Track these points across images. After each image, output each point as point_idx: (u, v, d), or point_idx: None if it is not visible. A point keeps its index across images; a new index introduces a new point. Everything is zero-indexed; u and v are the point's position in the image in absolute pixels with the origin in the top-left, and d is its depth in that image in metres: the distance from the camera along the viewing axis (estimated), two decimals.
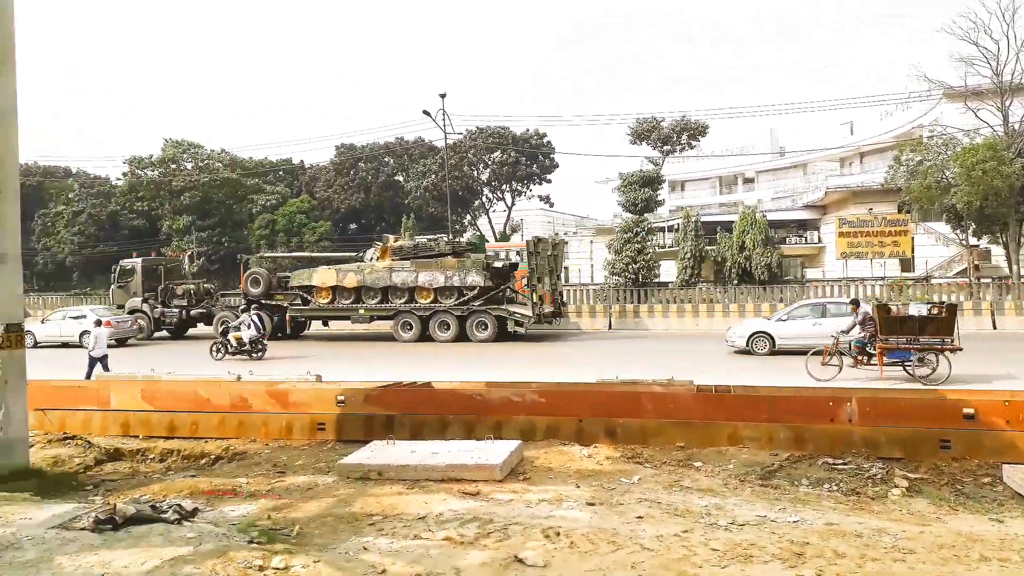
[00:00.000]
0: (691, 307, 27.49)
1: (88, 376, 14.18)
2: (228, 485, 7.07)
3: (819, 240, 50.36)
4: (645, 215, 42.72)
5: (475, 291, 23.37)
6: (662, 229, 52.38)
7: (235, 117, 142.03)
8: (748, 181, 69.87)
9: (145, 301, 27.16)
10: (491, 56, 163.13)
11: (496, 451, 7.23)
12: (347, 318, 25.68)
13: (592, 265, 57.37)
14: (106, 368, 14.76)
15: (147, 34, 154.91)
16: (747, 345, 18.58)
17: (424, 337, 23.60)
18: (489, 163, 47.06)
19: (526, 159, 46.50)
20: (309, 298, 25.14)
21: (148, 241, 50.75)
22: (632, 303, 28.45)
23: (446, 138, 34.38)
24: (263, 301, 24.60)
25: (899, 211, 38.36)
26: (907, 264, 39.72)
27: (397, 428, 8.88)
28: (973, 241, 36.38)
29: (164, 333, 27.79)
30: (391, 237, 26.70)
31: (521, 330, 23.87)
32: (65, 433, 9.47)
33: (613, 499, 6.12)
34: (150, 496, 6.53)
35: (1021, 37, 35.57)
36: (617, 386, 9.38)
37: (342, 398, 9.29)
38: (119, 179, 51.96)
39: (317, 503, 6.20)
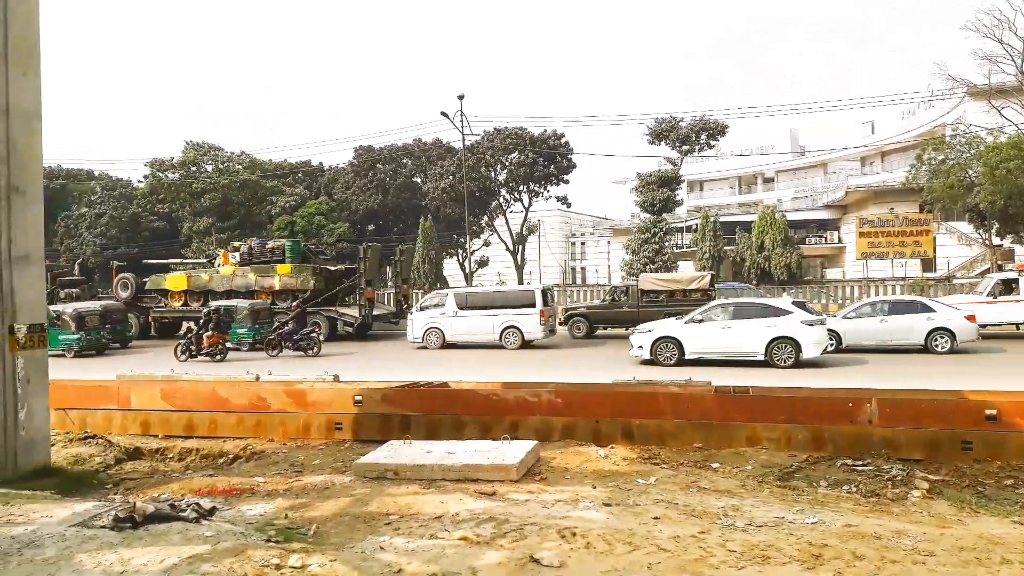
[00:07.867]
0: None
1: None
2: (246, 484, 7.12)
3: (839, 240, 49.86)
4: (663, 215, 42.48)
5: (307, 293, 25.74)
6: (680, 229, 52.10)
7: (255, 120, 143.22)
8: (768, 181, 69.29)
9: None
10: (510, 56, 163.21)
11: (512, 451, 7.22)
12: None
13: (609, 266, 57.19)
14: None
15: (171, 37, 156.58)
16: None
17: None
18: (507, 164, 46.90)
19: (544, 160, 46.27)
20: (165, 301, 27.46)
21: (169, 243, 51.22)
22: None
23: (464, 139, 34.34)
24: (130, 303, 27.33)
25: (920, 210, 37.87)
26: (929, 264, 39.20)
27: (414, 428, 8.91)
28: (996, 241, 35.84)
29: None
30: (234, 244, 29.01)
31: (350, 330, 25.63)
32: (86, 432, 9.60)
33: (630, 500, 6.08)
34: (169, 494, 6.59)
35: None
36: (634, 387, 9.35)
37: (359, 398, 9.34)
38: (140, 181, 52.48)
39: (334, 502, 6.20)
